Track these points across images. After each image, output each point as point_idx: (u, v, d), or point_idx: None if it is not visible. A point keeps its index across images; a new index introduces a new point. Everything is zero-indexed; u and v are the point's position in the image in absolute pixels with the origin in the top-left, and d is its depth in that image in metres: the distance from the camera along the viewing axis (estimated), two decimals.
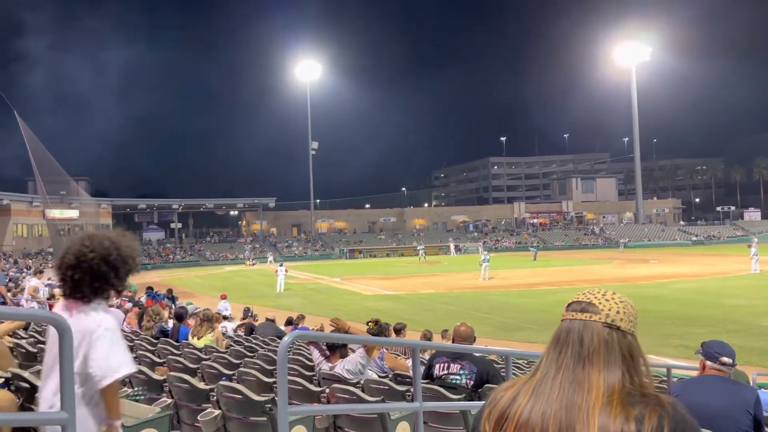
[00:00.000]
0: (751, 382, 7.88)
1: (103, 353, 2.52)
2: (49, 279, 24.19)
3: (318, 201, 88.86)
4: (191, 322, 10.04)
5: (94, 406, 2.58)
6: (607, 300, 1.38)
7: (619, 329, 1.34)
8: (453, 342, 5.75)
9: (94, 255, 2.62)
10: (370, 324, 6.60)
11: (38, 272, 18.23)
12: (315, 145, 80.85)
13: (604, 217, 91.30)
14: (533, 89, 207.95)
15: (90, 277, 2.61)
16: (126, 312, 12.36)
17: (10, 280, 24.58)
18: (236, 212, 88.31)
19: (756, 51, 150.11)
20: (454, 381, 5.11)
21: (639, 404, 1.24)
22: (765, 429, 3.38)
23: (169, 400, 4.73)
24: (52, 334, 2.64)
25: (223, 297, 20.00)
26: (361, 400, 4.40)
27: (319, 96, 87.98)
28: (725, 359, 3.55)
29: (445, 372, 5.23)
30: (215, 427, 4.31)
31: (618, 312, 1.36)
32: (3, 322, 5.91)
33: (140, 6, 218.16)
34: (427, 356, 7.44)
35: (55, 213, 57.31)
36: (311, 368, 6.26)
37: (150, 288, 17.64)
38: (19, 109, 46.47)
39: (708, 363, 3.61)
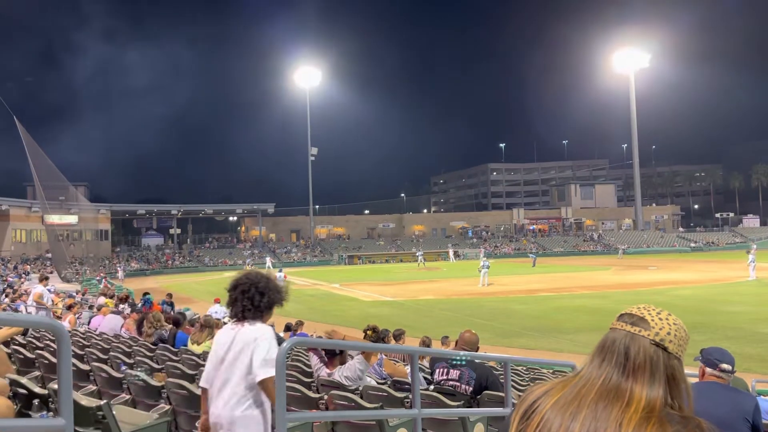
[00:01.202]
0: (750, 389, 7.87)
1: (260, 355, 3.22)
2: (51, 286, 24.19)
3: (317, 207, 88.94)
4: (191, 328, 10.01)
5: (260, 405, 3.28)
6: (660, 319, 1.37)
7: (665, 350, 1.34)
8: (457, 347, 5.75)
9: (247, 281, 3.43)
10: (368, 333, 6.60)
11: (43, 279, 18.19)
12: (314, 151, 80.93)
13: (603, 223, 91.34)
14: (532, 95, 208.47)
15: (242, 296, 3.39)
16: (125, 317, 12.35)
17: (8, 285, 24.57)
18: (235, 218, 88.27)
19: (754, 58, 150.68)
20: (457, 390, 5.09)
21: (677, 423, 1.23)
22: None
23: (168, 407, 4.71)
24: (215, 352, 3.43)
25: (217, 301, 19.95)
26: (360, 407, 4.39)
27: (319, 102, 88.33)
28: (725, 366, 3.54)
29: (444, 377, 5.23)
30: None
31: (669, 333, 1.35)
32: (1, 328, 5.90)
33: (136, 12, 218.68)
34: (425, 363, 7.43)
35: (54, 218, 57.25)
36: (310, 374, 6.24)
37: (146, 293, 17.57)
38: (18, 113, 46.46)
39: (707, 370, 3.60)
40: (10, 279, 32.17)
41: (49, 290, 19.59)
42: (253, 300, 3.39)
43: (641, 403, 1.26)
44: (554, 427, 1.29)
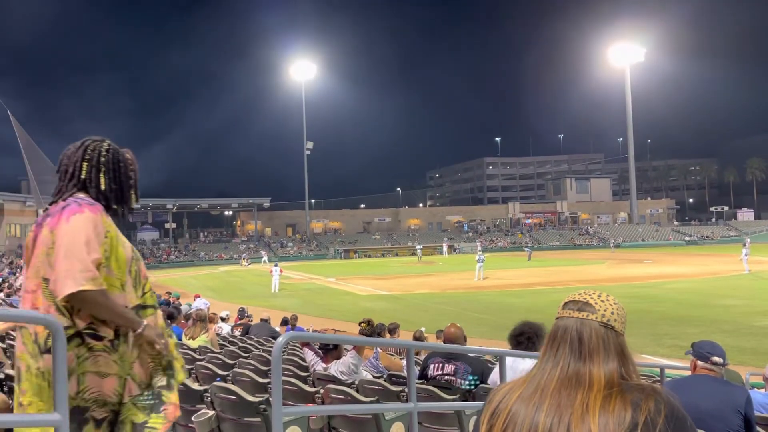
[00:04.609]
0: (744, 382, 7.92)
1: None
2: None
3: (312, 201, 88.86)
4: (185, 322, 10.01)
5: None
6: (602, 301, 1.44)
7: (613, 329, 1.40)
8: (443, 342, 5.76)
9: (530, 330, 4.68)
10: (362, 325, 6.61)
11: None
12: (310, 145, 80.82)
13: (598, 217, 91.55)
14: (528, 90, 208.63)
15: (527, 341, 4.68)
16: None
17: (3, 280, 24.45)
18: (231, 212, 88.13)
19: (749, 52, 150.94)
20: (453, 384, 5.11)
21: (635, 391, 1.29)
22: (756, 429, 3.40)
23: None
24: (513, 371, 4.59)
25: (197, 297, 20.19)
26: (356, 401, 4.40)
27: (314, 96, 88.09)
28: (716, 359, 3.57)
29: (440, 372, 5.24)
30: (209, 427, 4.31)
31: (612, 313, 1.42)
32: None
33: (134, 4, 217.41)
34: (422, 357, 7.45)
35: None
36: (306, 369, 6.26)
37: None
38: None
39: (699, 363, 3.62)
40: (5, 273, 32.07)
41: None
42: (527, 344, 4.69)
43: (602, 382, 1.32)
44: (519, 420, 1.33)
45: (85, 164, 2.38)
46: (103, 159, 2.41)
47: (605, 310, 1.41)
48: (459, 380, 5.14)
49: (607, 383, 1.31)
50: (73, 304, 2.15)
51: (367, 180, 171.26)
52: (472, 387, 5.07)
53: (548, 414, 1.30)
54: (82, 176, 2.36)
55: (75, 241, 2.14)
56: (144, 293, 2.43)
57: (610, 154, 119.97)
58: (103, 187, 2.38)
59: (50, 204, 2.31)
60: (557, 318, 1.46)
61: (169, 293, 21.21)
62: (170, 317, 9.84)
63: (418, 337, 10.97)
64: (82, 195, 2.33)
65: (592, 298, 1.44)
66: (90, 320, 2.19)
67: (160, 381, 2.41)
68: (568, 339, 1.39)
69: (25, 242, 2.33)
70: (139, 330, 2.29)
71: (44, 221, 2.29)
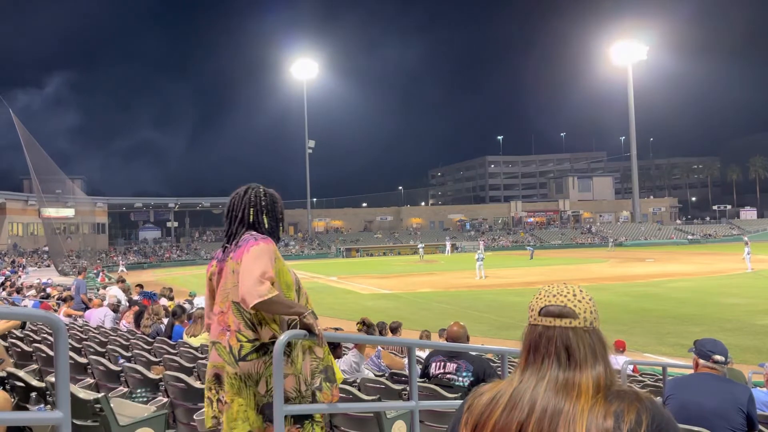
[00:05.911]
0: (747, 381, 7.91)
1: None
2: (48, 279, 24.16)
3: (314, 200, 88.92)
4: (187, 321, 10.01)
5: None
6: (579, 301, 1.35)
7: (595, 329, 1.34)
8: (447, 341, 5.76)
9: None
10: (358, 326, 6.63)
11: (120, 281, 17.82)
12: (312, 143, 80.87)
13: (600, 215, 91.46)
14: (530, 88, 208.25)
15: None
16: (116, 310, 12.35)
17: (6, 278, 24.52)
18: None
19: (752, 50, 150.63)
20: (455, 383, 5.11)
21: (617, 400, 1.24)
22: (759, 427, 3.39)
23: (165, 399, 4.73)
24: None
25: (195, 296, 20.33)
26: (358, 399, 4.40)
27: (316, 95, 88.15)
28: (717, 357, 3.56)
29: (441, 371, 5.24)
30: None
31: (591, 312, 1.35)
32: None
33: (132, 4, 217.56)
34: (423, 354, 7.45)
35: (51, 212, 57.10)
36: None
37: (139, 285, 17.44)
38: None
39: (701, 361, 3.61)
40: (7, 272, 32.15)
41: (44, 283, 19.49)
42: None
43: (590, 391, 1.26)
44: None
45: (252, 210, 3.02)
46: (263, 203, 3.08)
47: (585, 311, 1.33)
48: (460, 379, 5.14)
49: (595, 389, 1.26)
50: (260, 310, 2.75)
51: (368, 179, 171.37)
52: (472, 385, 5.06)
53: (537, 425, 1.25)
54: (251, 220, 3.00)
55: (255, 265, 2.72)
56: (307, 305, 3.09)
57: (613, 152, 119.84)
58: (267, 225, 3.04)
59: (227, 244, 3.00)
60: (533, 325, 1.37)
61: (167, 289, 21.27)
62: (174, 315, 9.85)
63: (426, 337, 10.99)
64: (253, 232, 2.95)
65: (568, 299, 1.35)
66: (272, 333, 2.82)
67: (315, 382, 3.04)
68: (554, 351, 1.31)
69: (207, 275, 3.06)
70: (304, 315, 2.89)
71: (226, 257, 2.95)
